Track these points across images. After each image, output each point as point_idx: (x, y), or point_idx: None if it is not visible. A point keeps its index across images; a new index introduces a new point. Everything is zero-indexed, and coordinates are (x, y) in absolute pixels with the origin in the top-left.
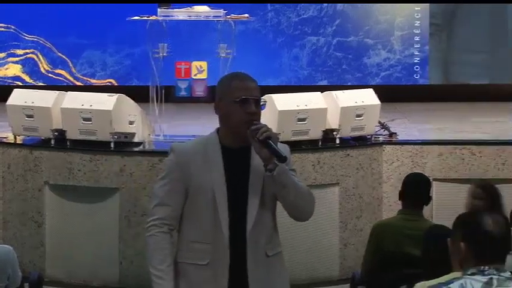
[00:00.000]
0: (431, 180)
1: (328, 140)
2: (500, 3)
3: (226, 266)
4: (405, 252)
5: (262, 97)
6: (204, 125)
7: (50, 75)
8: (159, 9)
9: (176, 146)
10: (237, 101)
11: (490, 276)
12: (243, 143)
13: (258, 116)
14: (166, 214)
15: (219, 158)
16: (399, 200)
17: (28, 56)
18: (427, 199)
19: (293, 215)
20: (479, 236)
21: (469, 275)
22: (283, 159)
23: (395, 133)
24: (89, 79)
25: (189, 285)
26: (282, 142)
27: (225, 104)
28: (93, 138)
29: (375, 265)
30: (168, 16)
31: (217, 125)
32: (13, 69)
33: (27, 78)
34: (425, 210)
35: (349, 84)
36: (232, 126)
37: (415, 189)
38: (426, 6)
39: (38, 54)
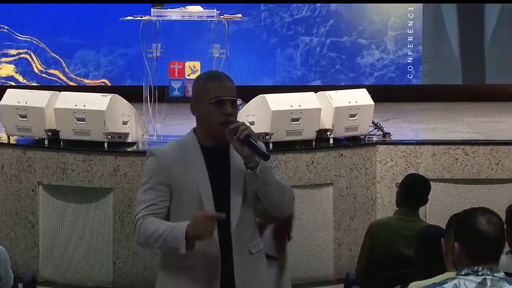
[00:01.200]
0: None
1: (321, 140)
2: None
3: (218, 265)
4: (401, 253)
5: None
6: (191, 125)
7: (43, 75)
8: (152, 10)
9: (155, 150)
10: (212, 102)
11: (483, 277)
12: (221, 142)
13: (234, 116)
14: (152, 212)
15: (200, 157)
16: (396, 200)
17: (21, 56)
18: (424, 201)
19: (274, 211)
20: (472, 235)
21: (462, 275)
22: (266, 156)
23: (388, 133)
24: (82, 79)
25: (175, 280)
26: (275, 142)
27: (201, 105)
28: (86, 138)
29: (369, 265)
30: (162, 16)
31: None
32: (6, 69)
33: (20, 79)
34: (420, 210)
35: (342, 84)
36: (209, 126)
37: (413, 190)
38: (419, 6)
39: (31, 54)
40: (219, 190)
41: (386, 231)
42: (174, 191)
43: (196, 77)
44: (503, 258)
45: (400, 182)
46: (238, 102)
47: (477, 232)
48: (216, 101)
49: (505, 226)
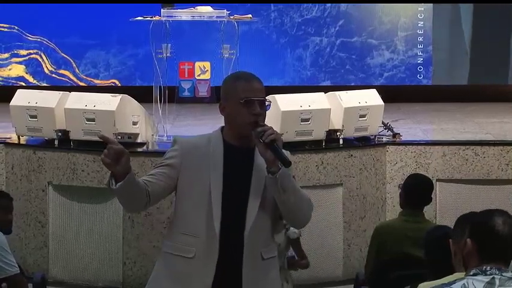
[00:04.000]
0: (434, 180)
1: (331, 141)
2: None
3: (213, 262)
4: (407, 254)
5: (267, 97)
6: (207, 125)
7: (53, 75)
8: (162, 10)
9: (179, 138)
10: (241, 102)
11: (492, 276)
12: (247, 143)
13: (262, 117)
14: (149, 179)
15: (220, 154)
16: (400, 201)
17: (31, 56)
18: (428, 200)
19: (290, 221)
20: (487, 233)
21: (471, 275)
22: (287, 164)
23: (398, 133)
24: (92, 79)
25: (172, 276)
26: (285, 143)
27: (230, 105)
28: (96, 138)
29: (377, 266)
30: (172, 16)
31: (220, 125)
32: (16, 70)
33: (30, 79)
34: (429, 211)
35: (352, 84)
36: (236, 126)
37: (415, 190)
38: (430, 6)
39: (42, 54)
40: (234, 190)
41: (392, 234)
42: (182, 179)
43: (225, 77)
44: None
45: (402, 184)
46: (267, 103)
47: (492, 230)
48: (245, 101)
49: None
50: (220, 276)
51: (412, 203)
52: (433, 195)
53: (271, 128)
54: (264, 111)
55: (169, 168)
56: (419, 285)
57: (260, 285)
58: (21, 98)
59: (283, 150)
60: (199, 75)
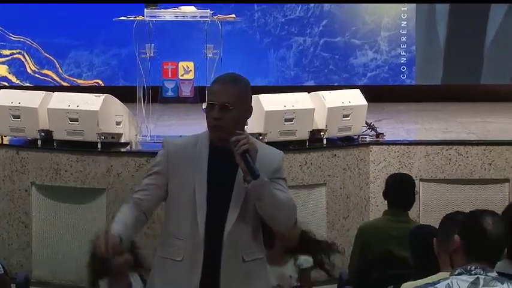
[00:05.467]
0: (417, 180)
1: (315, 141)
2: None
3: (199, 264)
4: (392, 253)
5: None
6: (191, 125)
7: (36, 75)
8: (145, 10)
9: (168, 140)
10: (206, 105)
11: (476, 276)
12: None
13: (224, 121)
14: (141, 196)
15: (205, 156)
16: (384, 199)
17: (14, 56)
18: (411, 199)
19: (271, 225)
20: (476, 231)
21: (455, 274)
22: (256, 176)
23: (382, 133)
24: (75, 79)
25: (164, 280)
26: (268, 143)
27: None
28: (80, 138)
29: (361, 266)
30: (155, 16)
31: (203, 125)
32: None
33: (13, 79)
34: (412, 211)
35: (336, 84)
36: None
37: (398, 190)
38: (413, 6)
39: (25, 54)
40: (218, 191)
41: (376, 233)
42: (171, 183)
43: None
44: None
45: (385, 183)
46: (231, 107)
47: (482, 229)
48: (206, 104)
49: None
50: (207, 278)
51: (394, 203)
52: (416, 195)
53: (246, 137)
54: (224, 115)
55: (157, 176)
56: (403, 285)
57: (240, 286)
58: (4, 98)
59: (275, 151)
60: (182, 75)
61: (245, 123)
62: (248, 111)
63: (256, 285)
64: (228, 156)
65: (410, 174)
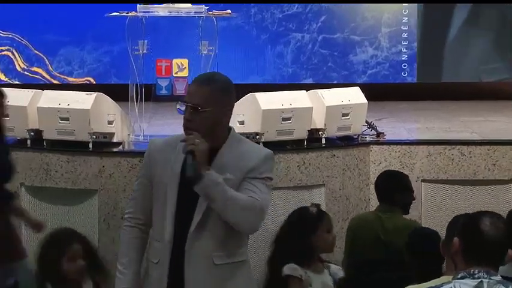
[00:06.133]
0: (419, 181)
1: (313, 140)
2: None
3: (166, 267)
4: (381, 244)
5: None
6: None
7: (26, 73)
8: (138, 6)
9: (151, 141)
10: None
11: (480, 280)
12: (210, 143)
13: (194, 123)
14: (136, 208)
15: (181, 156)
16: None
17: (3, 53)
18: (403, 194)
19: (233, 227)
20: (473, 233)
21: (458, 278)
22: (187, 177)
23: (382, 133)
24: (66, 77)
25: (146, 282)
26: (265, 142)
27: None
28: (71, 138)
29: (353, 265)
30: (148, 12)
31: None
32: None
33: (2, 77)
34: (414, 212)
35: (335, 82)
36: None
37: (386, 186)
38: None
39: (14, 51)
40: (190, 191)
41: (366, 227)
42: (153, 184)
43: None
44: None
45: (376, 179)
46: (200, 108)
47: (478, 230)
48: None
49: None
50: (174, 281)
51: (384, 198)
52: (418, 196)
53: (193, 138)
54: (194, 117)
55: (143, 180)
56: None
57: None
58: None
59: (263, 149)
60: (176, 73)
61: (225, 123)
62: (225, 111)
63: None
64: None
65: (402, 172)
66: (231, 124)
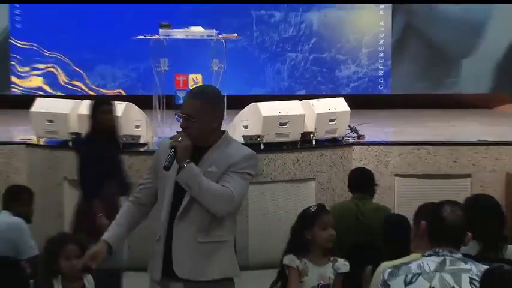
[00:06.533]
0: (393, 175)
1: (305, 142)
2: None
3: (163, 241)
4: (354, 224)
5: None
6: None
7: (67, 86)
8: (160, 30)
9: (161, 141)
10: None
11: (443, 257)
12: (202, 143)
13: (187, 130)
14: (140, 190)
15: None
16: (348, 188)
17: (48, 69)
18: (371, 185)
19: (208, 210)
20: (436, 219)
21: (426, 256)
22: (164, 167)
23: (362, 135)
24: (101, 89)
25: (153, 256)
26: (266, 143)
27: None
28: None
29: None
30: (168, 35)
31: None
32: (36, 81)
33: (48, 89)
34: (388, 202)
35: (323, 93)
36: None
37: (359, 179)
38: (389, 26)
39: (57, 68)
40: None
41: (346, 211)
42: (157, 175)
43: None
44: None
45: (349, 174)
46: (192, 118)
47: (440, 216)
48: None
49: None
50: (168, 254)
51: (358, 189)
52: (392, 188)
53: (179, 136)
54: (189, 125)
55: (151, 171)
56: (381, 264)
57: (191, 265)
58: (40, 105)
59: (245, 149)
60: (192, 86)
61: (215, 127)
62: (214, 119)
63: (211, 263)
64: (197, 152)
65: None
66: (237, 128)
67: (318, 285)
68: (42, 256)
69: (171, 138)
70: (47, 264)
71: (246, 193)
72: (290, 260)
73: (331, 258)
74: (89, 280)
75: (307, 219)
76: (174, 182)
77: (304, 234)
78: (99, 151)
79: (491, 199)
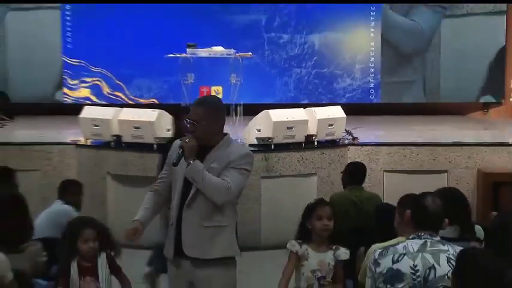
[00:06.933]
0: (382, 171)
1: (309, 142)
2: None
3: (174, 226)
4: (353, 210)
5: (265, 111)
6: None
7: (110, 96)
8: (187, 49)
9: (175, 141)
10: None
11: (424, 240)
12: (208, 143)
13: (194, 133)
14: (159, 182)
15: None
16: (342, 180)
17: (94, 82)
18: (363, 177)
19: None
20: (419, 208)
21: (410, 239)
22: (173, 163)
23: (356, 137)
24: (138, 99)
25: (166, 240)
26: (275, 144)
27: None
28: (141, 141)
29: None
30: (194, 54)
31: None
32: (84, 92)
33: (94, 99)
34: (378, 194)
35: (324, 102)
36: None
37: (354, 172)
38: (379, 45)
39: (102, 81)
40: None
41: (343, 199)
42: (172, 170)
43: None
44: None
45: (344, 169)
46: (196, 124)
47: (423, 205)
48: None
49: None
50: (179, 238)
51: (353, 180)
52: (381, 182)
53: (187, 138)
54: (195, 129)
55: (167, 167)
56: (372, 246)
57: (198, 246)
58: (87, 112)
59: (243, 148)
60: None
61: (217, 130)
62: (215, 123)
63: (214, 244)
64: (203, 150)
65: (362, 162)
66: (251, 131)
67: (316, 274)
68: (62, 239)
69: (180, 140)
70: (68, 245)
71: (243, 185)
72: (291, 245)
73: (334, 247)
74: (102, 260)
75: (307, 211)
76: (183, 176)
77: (306, 223)
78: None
79: (458, 191)
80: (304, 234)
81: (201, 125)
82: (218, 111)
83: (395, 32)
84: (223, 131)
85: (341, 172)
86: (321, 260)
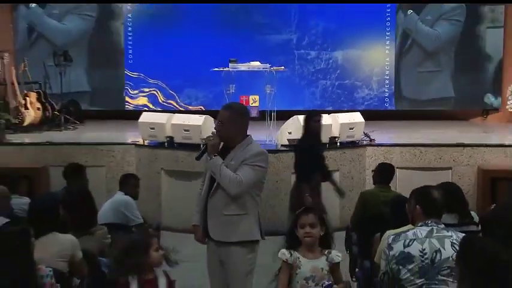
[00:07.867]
0: (396, 168)
1: (332, 143)
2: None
3: (203, 215)
4: (380, 209)
5: (295, 116)
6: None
7: (164, 104)
8: (230, 64)
9: None
10: None
11: (431, 227)
12: (230, 144)
13: (219, 132)
14: (201, 181)
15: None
16: (373, 178)
17: (151, 92)
18: (391, 177)
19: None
20: (427, 200)
21: (419, 226)
22: (196, 158)
23: (373, 139)
24: (188, 106)
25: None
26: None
27: None
28: (190, 142)
29: (360, 219)
30: (235, 68)
31: (258, 135)
32: (142, 100)
33: (150, 106)
34: (393, 186)
35: (345, 109)
36: None
37: (384, 172)
38: (392, 61)
39: (157, 91)
40: None
41: (372, 196)
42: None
43: None
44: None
45: (375, 168)
46: (220, 124)
47: (430, 197)
48: None
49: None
50: (206, 224)
51: (383, 180)
52: (395, 177)
53: (211, 135)
54: (220, 128)
55: (205, 169)
56: (386, 232)
57: (220, 230)
58: (145, 117)
59: (255, 146)
60: (252, 104)
61: (239, 132)
62: (238, 126)
63: (233, 230)
64: (226, 150)
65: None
66: (283, 134)
67: (323, 282)
68: (123, 251)
69: (205, 138)
70: (131, 258)
71: (254, 179)
72: (282, 253)
73: (326, 251)
74: (160, 274)
75: (294, 219)
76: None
77: (295, 232)
78: (310, 149)
79: (455, 185)
80: (294, 242)
81: (225, 125)
82: (241, 115)
83: (420, 36)
84: (247, 133)
85: (372, 170)
86: (313, 266)
